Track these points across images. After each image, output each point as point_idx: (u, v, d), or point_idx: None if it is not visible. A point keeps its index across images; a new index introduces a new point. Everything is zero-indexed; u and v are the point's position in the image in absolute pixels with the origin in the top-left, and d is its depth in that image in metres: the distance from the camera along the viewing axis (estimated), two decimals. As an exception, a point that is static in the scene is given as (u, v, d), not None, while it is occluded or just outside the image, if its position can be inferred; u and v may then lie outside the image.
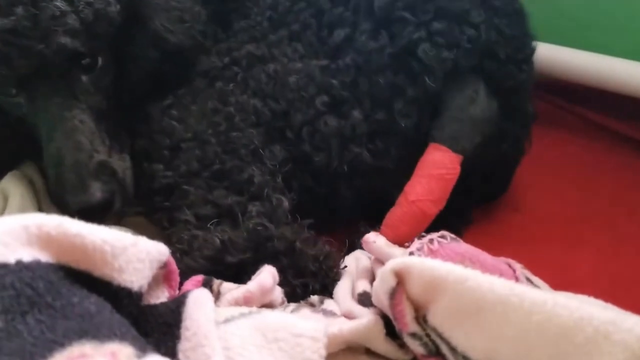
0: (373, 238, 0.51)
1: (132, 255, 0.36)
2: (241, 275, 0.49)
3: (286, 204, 0.56)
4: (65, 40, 0.54)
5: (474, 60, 0.60)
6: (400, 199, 0.59)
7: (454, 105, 0.60)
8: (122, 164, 0.60)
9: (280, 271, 0.48)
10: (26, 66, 0.54)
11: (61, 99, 0.57)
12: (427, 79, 0.58)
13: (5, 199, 0.61)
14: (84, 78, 0.59)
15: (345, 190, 0.62)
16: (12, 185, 0.62)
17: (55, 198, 0.60)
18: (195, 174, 0.56)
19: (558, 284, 0.52)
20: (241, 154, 0.57)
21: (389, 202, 0.60)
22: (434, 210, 0.58)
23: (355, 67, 0.59)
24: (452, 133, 0.59)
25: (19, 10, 0.52)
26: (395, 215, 0.58)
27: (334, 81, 0.59)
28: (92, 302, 0.33)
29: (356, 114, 0.59)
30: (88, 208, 0.56)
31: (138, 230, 0.61)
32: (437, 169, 0.58)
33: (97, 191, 0.56)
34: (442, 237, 0.50)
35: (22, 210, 0.59)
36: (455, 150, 0.59)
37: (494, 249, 0.61)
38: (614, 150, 0.88)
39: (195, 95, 0.62)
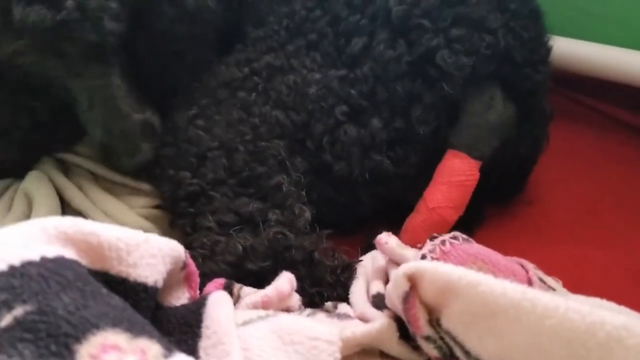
0: (385, 239, 0.52)
1: (145, 251, 0.37)
2: (260, 282, 0.50)
3: (308, 214, 0.57)
4: (112, 25, 0.57)
5: (493, 66, 0.60)
6: (420, 206, 0.60)
7: (472, 111, 0.60)
8: (156, 118, 0.66)
9: (298, 280, 0.49)
10: (77, 54, 0.57)
11: (96, 65, 0.60)
12: (445, 85, 0.58)
13: (29, 201, 0.63)
14: (113, 41, 0.61)
15: (365, 198, 0.63)
16: (35, 187, 0.64)
17: (109, 160, 0.65)
18: (221, 182, 0.58)
19: (571, 279, 0.52)
20: (269, 163, 0.58)
21: (408, 207, 0.60)
22: (454, 216, 0.58)
23: (374, 76, 0.60)
24: (470, 139, 0.59)
25: (69, 3, 0.54)
26: (415, 221, 0.59)
27: (353, 91, 0.60)
28: (117, 299, 0.34)
29: (375, 122, 0.60)
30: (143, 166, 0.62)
31: (155, 223, 0.64)
32: (457, 176, 0.59)
33: (149, 151, 0.63)
34: (454, 238, 0.50)
35: (51, 210, 0.62)
36: (473, 157, 0.59)
37: (506, 243, 0.61)
38: (627, 143, 0.87)
39: (219, 105, 0.63)
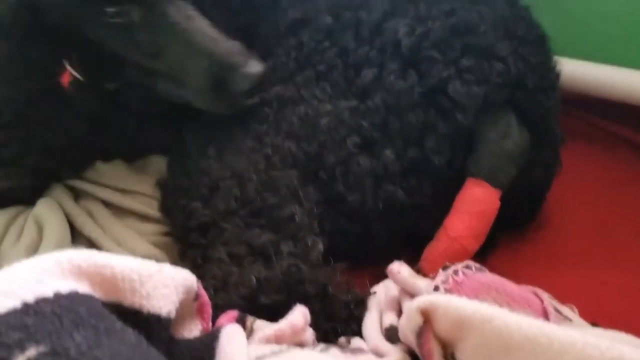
0: (397, 268, 0.51)
1: (158, 281, 0.37)
2: (273, 315, 0.49)
3: (320, 246, 0.56)
4: None
5: (505, 93, 0.60)
6: (440, 235, 0.59)
7: (489, 140, 0.60)
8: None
9: (311, 315, 0.48)
10: None
11: (169, 3, 0.59)
12: (458, 115, 0.58)
13: (40, 228, 0.63)
14: None
15: (379, 229, 0.63)
16: (46, 214, 0.64)
17: (213, 93, 0.60)
18: (233, 212, 0.57)
19: (587, 305, 0.52)
20: (282, 193, 0.58)
21: (423, 237, 0.60)
22: (475, 246, 0.58)
23: (385, 107, 0.60)
24: (490, 168, 0.59)
25: None
26: (435, 250, 0.58)
27: (364, 122, 0.60)
28: (131, 333, 0.33)
29: (388, 153, 0.60)
30: (260, 79, 0.60)
31: (164, 250, 0.64)
32: (478, 205, 0.59)
33: (257, 63, 0.60)
34: (467, 267, 0.49)
35: (61, 237, 0.62)
36: (494, 185, 0.59)
37: (519, 269, 0.60)
38: (638, 163, 0.86)
39: (231, 135, 0.63)
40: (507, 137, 0.60)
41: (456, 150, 0.60)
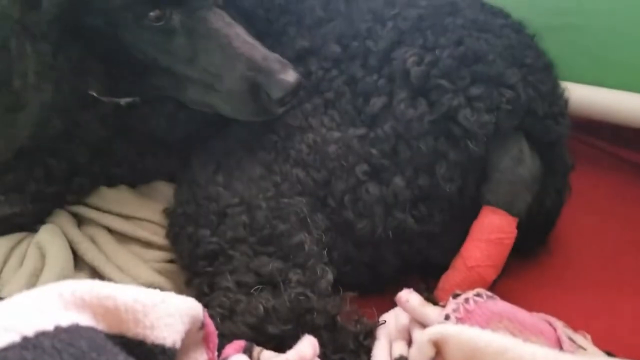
0: (406, 296, 0.51)
1: (162, 311, 0.36)
2: (280, 346, 0.49)
3: (330, 275, 0.55)
4: None
5: (516, 120, 0.60)
6: (458, 264, 0.59)
7: (503, 168, 0.60)
8: None
9: (320, 346, 0.47)
10: None
11: (208, 10, 0.61)
12: (469, 143, 0.58)
13: (42, 255, 0.63)
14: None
15: (389, 256, 0.62)
16: (49, 240, 0.64)
17: (246, 97, 0.61)
18: (241, 240, 0.57)
19: (600, 330, 0.51)
20: (291, 221, 0.57)
21: (432, 264, 0.59)
22: (493, 276, 0.58)
23: (395, 135, 0.60)
24: (507, 196, 0.59)
25: None
26: (452, 280, 0.58)
27: (374, 150, 0.60)
28: None
29: (398, 180, 0.59)
30: (295, 88, 0.61)
31: (168, 277, 0.63)
32: (496, 234, 0.58)
33: (293, 73, 0.61)
34: (478, 295, 0.48)
35: (64, 263, 0.61)
36: (511, 213, 0.59)
37: (529, 295, 0.59)
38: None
39: (239, 162, 0.63)
40: (521, 163, 0.60)
41: (467, 178, 0.60)
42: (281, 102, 0.62)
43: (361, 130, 0.61)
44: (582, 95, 0.86)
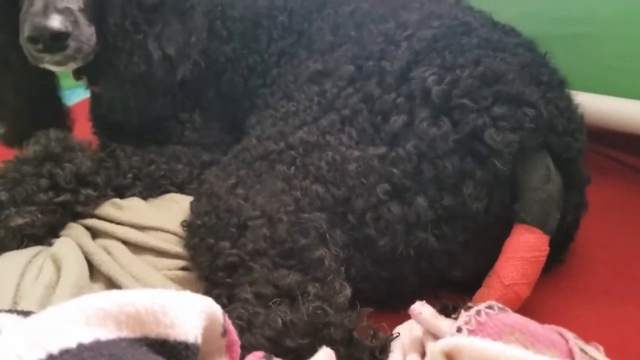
0: (419, 309, 0.51)
1: (179, 307, 0.37)
2: (299, 359, 0.48)
3: (348, 290, 0.55)
4: None
5: (540, 138, 0.61)
6: (493, 282, 0.59)
7: (533, 186, 0.60)
8: (88, 28, 0.67)
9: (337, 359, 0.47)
10: None
11: None
12: (496, 162, 0.58)
13: (58, 267, 0.63)
14: None
15: (409, 273, 0.62)
16: (63, 252, 0.64)
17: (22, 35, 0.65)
18: (262, 252, 0.57)
19: (612, 341, 0.51)
20: (312, 235, 0.57)
21: (450, 281, 0.60)
22: (527, 293, 0.58)
23: (418, 154, 0.59)
24: (540, 214, 0.59)
25: None
26: (488, 298, 0.57)
27: (395, 170, 0.59)
28: None
29: (420, 200, 0.59)
30: (43, 31, 0.62)
31: (181, 285, 0.64)
32: (531, 252, 0.59)
33: (56, 19, 0.62)
34: (490, 307, 0.49)
35: (79, 275, 0.62)
36: (545, 231, 0.59)
37: (541, 305, 0.59)
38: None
39: (258, 176, 0.64)
40: (549, 181, 0.60)
41: (494, 196, 0.60)
42: (33, 41, 0.63)
43: (381, 150, 0.61)
44: (591, 104, 0.87)
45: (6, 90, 0.80)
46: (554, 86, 0.66)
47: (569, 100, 0.68)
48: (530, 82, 0.63)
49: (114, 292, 0.36)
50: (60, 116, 0.86)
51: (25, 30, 0.63)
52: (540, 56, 0.70)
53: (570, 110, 0.67)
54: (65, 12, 0.64)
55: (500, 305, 0.51)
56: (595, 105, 0.89)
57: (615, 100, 0.90)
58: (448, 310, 0.53)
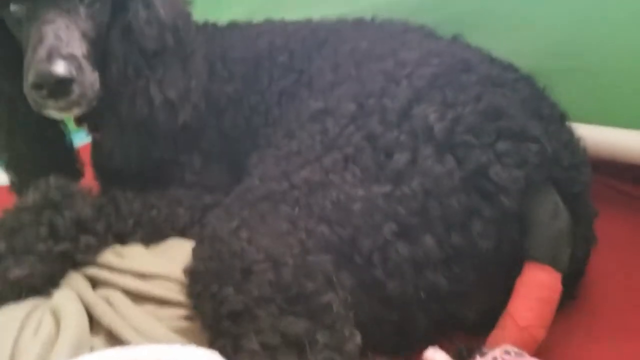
0: (432, 355, 0.50)
1: None
2: None
3: (358, 338, 0.54)
4: None
5: (545, 172, 0.60)
6: (507, 324, 0.58)
7: (542, 222, 0.59)
8: (91, 74, 0.67)
9: None
10: None
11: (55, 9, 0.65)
12: (503, 199, 0.58)
13: (57, 320, 0.62)
14: (82, 8, 0.68)
15: (419, 317, 0.60)
16: (63, 305, 0.63)
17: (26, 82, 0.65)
18: (268, 299, 0.55)
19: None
20: (319, 279, 0.56)
21: (463, 322, 0.58)
22: (543, 335, 0.57)
23: (424, 192, 0.59)
24: (551, 251, 0.59)
25: None
26: (503, 342, 0.56)
27: (401, 208, 0.59)
28: None
29: (428, 239, 0.58)
30: (48, 77, 0.62)
31: (184, 336, 0.62)
32: (545, 291, 0.58)
33: (60, 65, 0.62)
34: (506, 352, 0.48)
35: (79, 329, 0.61)
36: (557, 269, 0.58)
37: (554, 343, 0.59)
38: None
39: (262, 217, 0.62)
40: (558, 216, 0.60)
41: (503, 234, 0.59)
42: (38, 87, 0.64)
43: (386, 188, 0.60)
44: (591, 136, 0.87)
45: (14, 138, 0.80)
46: (555, 120, 0.66)
47: (570, 133, 0.68)
48: (531, 117, 0.63)
49: (118, 351, 0.35)
50: (70, 161, 0.86)
51: (30, 77, 0.63)
52: (539, 91, 0.71)
53: (572, 143, 0.67)
54: (69, 58, 0.64)
55: (516, 349, 0.49)
56: (595, 136, 0.90)
57: (615, 131, 0.90)
58: (462, 355, 0.52)
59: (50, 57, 0.63)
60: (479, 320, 0.63)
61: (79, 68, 0.65)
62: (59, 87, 0.64)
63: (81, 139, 1.03)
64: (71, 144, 0.87)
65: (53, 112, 0.69)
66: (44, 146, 0.82)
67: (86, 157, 0.91)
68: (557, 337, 0.64)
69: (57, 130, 0.83)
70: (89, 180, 0.89)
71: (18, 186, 0.85)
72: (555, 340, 0.63)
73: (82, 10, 0.68)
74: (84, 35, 0.68)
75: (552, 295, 0.58)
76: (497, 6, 0.94)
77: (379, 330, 0.60)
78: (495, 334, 0.58)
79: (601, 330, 0.67)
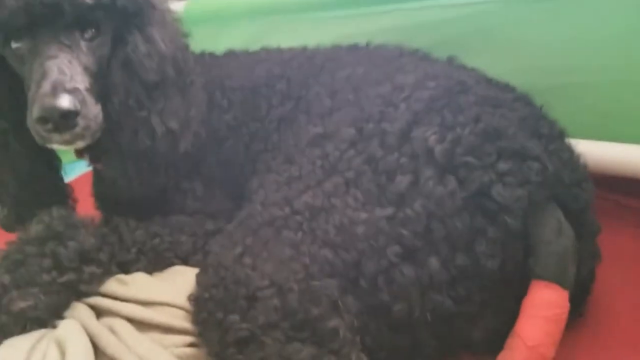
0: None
1: None
2: None
3: None
4: None
5: (547, 191, 0.61)
6: (516, 344, 0.57)
7: (546, 240, 0.59)
8: (94, 106, 0.68)
9: None
10: (42, 14, 0.64)
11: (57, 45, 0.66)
12: (506, 218, 0.58)
13: (62, 351, 0.62)
14: (83, 43, 0.69)
15: (427, 339, 0.60)
16: (68, 336, 0.63)
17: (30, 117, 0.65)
18: (273, 325, 0.55)
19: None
20: (324, 304, 0.56)
21: (471, 342, 0.58)
22: (552, 354, 0.56)
23: (427, 214, 0.59)
24: (557, 269, 0.59)
25: None
26: None
27: (405, 231, 0.59)
28: None
29: (433, 261, 0.58)
30: (53, 111, 0.63)
31: None
32: (552, 309, 0.57)
33: (65, 99, 0.63)
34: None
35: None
36: (563, 286, 0.58)
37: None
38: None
39: (265, 243, 0.62)
40: (562, 234, 0.60)
41: (507, 253, 0.59)
42: (43, 121, 0.64)
43: (389, 210, 0.60)
44: (590, 151, 0.88)
45: (5, 174, 0.80)
46: (555, 138, 0.66)
47: (570, 151, 0.68)
48: (531, 136, 0.64)
49: None
50: (61, 195, 0.86)
51: (35, 112, 0.64)
52: (537, 109, 0.71)
53: (573, 160, 0.67)
54: (73, 91, 0.65)
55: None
56: (594, 151, 0.90)
57: (614, 145, 0.90)
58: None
59: (54, 91, 0.63)
60: (487, 340, 0.62)
61: (83, 101, 0.66)
62: (64, 121, 0.65)
63: (80, 169, 1.03)
64: (62, 179, 0.87)
65: (57, 145, 0.70)
66: (35, 182, 0.82)
67: (84, 188, 0.91)
68: (567, 357, 0.64)
69: (49, 165, 0.84)
70: (90, 210, 0.90)
71: (8, 223, 0.85)
72: (562, 356, 0.62)
73: (83, 44, 0.69)
74: (86, 69, 0.69)
75: (560, 314, 0.58)
76: (490, 27, 0.95)
77: (386, 354, 0.59)
78: (504, 354, 0.58)
79: (612, 347, 0.67)
